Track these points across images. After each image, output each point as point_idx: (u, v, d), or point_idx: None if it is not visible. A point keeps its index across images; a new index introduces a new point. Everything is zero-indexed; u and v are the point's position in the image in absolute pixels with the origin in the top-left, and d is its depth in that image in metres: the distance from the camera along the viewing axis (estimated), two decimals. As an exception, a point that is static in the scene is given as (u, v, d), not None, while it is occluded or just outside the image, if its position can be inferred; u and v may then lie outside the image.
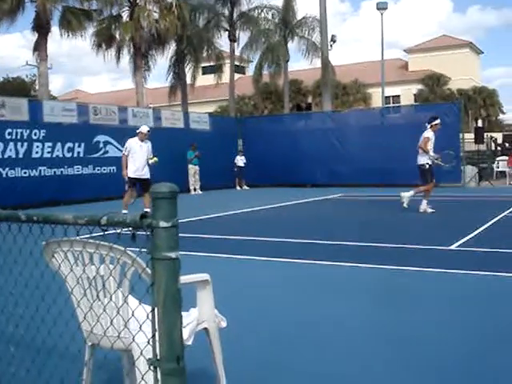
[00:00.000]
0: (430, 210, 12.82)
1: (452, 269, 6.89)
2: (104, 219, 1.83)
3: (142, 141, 12.69)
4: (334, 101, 41.41)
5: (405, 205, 13.02)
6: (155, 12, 29.65)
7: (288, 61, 35.75)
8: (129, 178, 12.67)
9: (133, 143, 12.75)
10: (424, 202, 12.93)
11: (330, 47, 32.90)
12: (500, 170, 26.52)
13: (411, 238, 9.59)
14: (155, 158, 12.85)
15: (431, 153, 12.77)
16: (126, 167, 12.63)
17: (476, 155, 26.16)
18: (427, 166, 12.80)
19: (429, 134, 12.78)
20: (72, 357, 3.06)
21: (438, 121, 12.90)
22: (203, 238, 10.28)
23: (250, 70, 45.32)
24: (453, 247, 8.44)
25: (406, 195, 13.13)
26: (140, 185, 12.67)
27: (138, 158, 12.57)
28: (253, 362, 4.00)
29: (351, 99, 52.90)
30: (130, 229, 1.79)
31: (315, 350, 4.19)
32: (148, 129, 13.02)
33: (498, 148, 31.96)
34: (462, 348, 4.18)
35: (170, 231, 1.69)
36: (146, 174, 12.73)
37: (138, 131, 12.94)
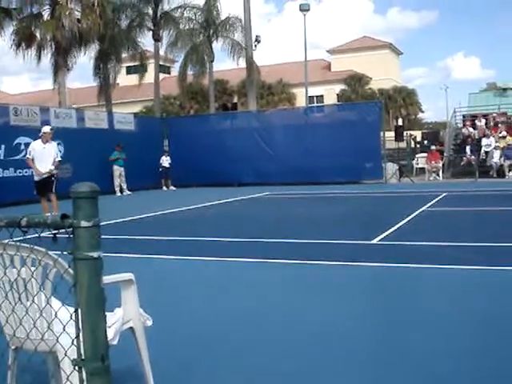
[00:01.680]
0: None
1: (374, 262, 7.11)
2: (24, 220, 1.82)
3: (45, 142, 11.95)
4: (259, 100, 41.79)
5: None
6: (77, 11, 29.05)
7: (213, 61, 35.72)
8: (34, 182, 11.92)
9: (36, 146, 11.94)
10: None
11: (254, 47, 33.12)
12: (419, 166, 27.38)
13: (334, 233, 9.82)
14: (51, 167, 12.02)
15: None
16: (36, 168, 11.89)
17: (396, 153, 26.94)
18: None
19: None
20: (-5, 361, 3.01)
21: None
22: (129, 239, 10.19)
23: (176, 70, 45.01)
24: (374, 241, 8.70)
25: None
26: (45, 187, 11.72)
27: (41, 162, 11.81)
28: (180, 361, 4.02)
29: (276, 99, 53.50)
30: (51, 230, 1.80)
31: (244, 349, 4.26)
32: (50, 127, 12.35)
33: (418, 145, 33.04)
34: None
35: (92, 231, 1.70)
36: (48, 176, 11.73)
37: (40, 134, 12.20)
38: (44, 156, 11.72)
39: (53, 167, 11.75)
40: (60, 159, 12.16)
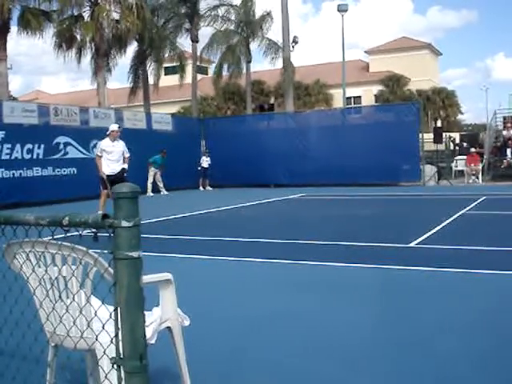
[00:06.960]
0: None
1: (411, 266, 7.02)
2: (66, 220, 1.84)
3: (113, 140, 11.97)
4: (296, 101, 41.63)
5: None
6: (116, 12, 29.40)
7: (250, 61, 35.77)
8: (102, 178, 11.96)
9: (106, 144, 11.91)
10: None
11: (291, 48, 33.06)
12: (458, 169, 26.99)
13: (371, 235, 9.70)
14: (124, 165, 12.06)
15: None
16: (101, 167, 11.96)
17: (435, 155, 26.60)
18: None
19: None
20: (35, 358, 3.06)
21: None
22: (165, 238, 10.26)
23: (213, 71, 45.22)
24: (412, 245, 8.60)
25: None
26: (113, 184, 11.74)
27: (112, 160, 11.80)
28: (217, 361, 4.03)
29: (313, 100, 53.22)
30: (92, 229, 1.81)
31: (279, 346, 4.24)
32: (118, 125, 12.34)
33: (457, 148, 32.58)
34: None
35: (132, 231, 1.71)
36: (121, 171, 11.87)
37: (108, 132, 12.04)
38: (114, 154, 11.82)
39: (126, 165, 11.92)
40: (129, 155, 12.15)
